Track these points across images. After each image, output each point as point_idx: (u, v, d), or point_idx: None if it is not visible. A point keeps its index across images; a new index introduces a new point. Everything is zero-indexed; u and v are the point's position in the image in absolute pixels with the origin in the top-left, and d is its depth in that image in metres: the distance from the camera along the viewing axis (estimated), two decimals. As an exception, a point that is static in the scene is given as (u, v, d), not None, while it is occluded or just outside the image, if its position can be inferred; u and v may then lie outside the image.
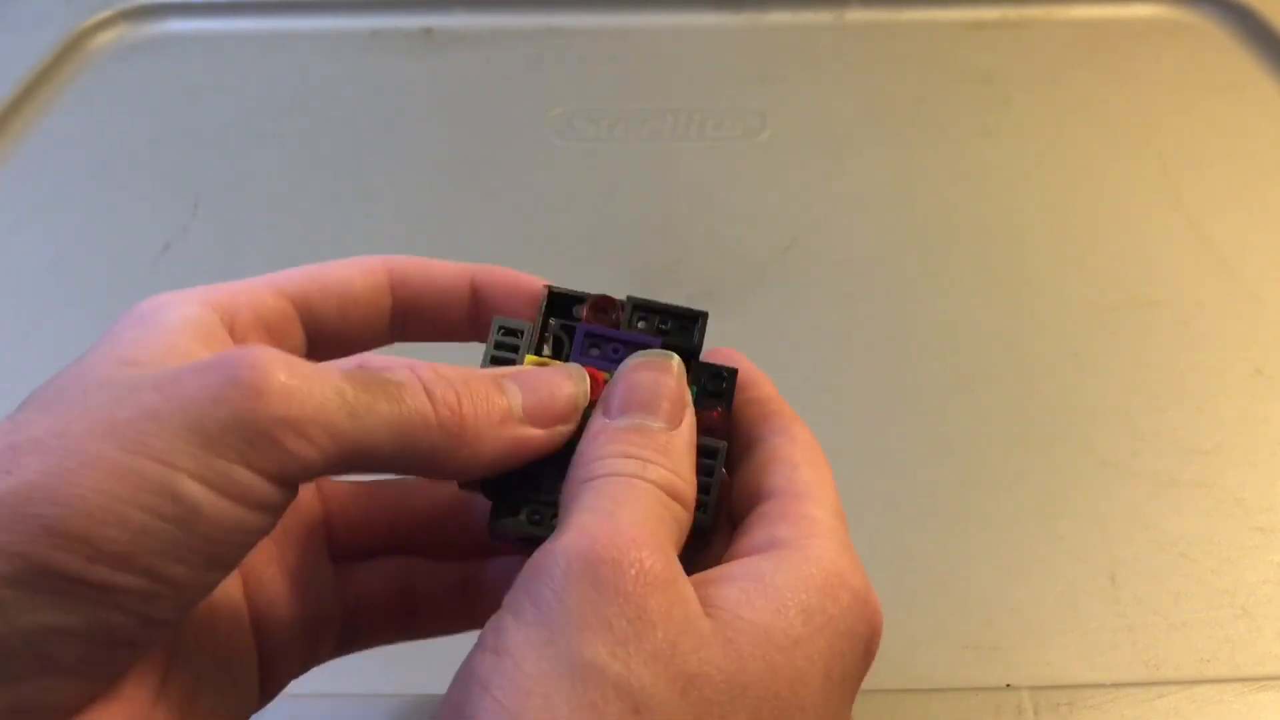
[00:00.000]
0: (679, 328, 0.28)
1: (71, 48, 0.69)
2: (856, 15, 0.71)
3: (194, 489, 0.21)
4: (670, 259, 0.53)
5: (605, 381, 0.27)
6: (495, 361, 0.28)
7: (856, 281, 0.52)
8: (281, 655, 0.27)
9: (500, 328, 0.28)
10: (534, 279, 0.30)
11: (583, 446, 0.25)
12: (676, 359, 0.27)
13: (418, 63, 0.68)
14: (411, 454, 0.23)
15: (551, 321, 0.29)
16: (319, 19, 0.72)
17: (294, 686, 0.31)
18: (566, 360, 0.28)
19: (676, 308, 0.28)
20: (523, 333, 0.28)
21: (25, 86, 0.65)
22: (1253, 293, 0.51)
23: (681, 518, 0.24)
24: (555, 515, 0.25)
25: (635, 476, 0.24)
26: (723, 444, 0.27)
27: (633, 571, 0.21)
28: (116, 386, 0.22)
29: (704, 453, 0.27)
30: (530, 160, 0.60)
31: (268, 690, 0.28)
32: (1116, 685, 0.35)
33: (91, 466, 0.20)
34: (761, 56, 0.68)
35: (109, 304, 0.52)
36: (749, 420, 0.28)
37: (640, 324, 0.28)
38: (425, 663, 0.36)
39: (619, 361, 0.27)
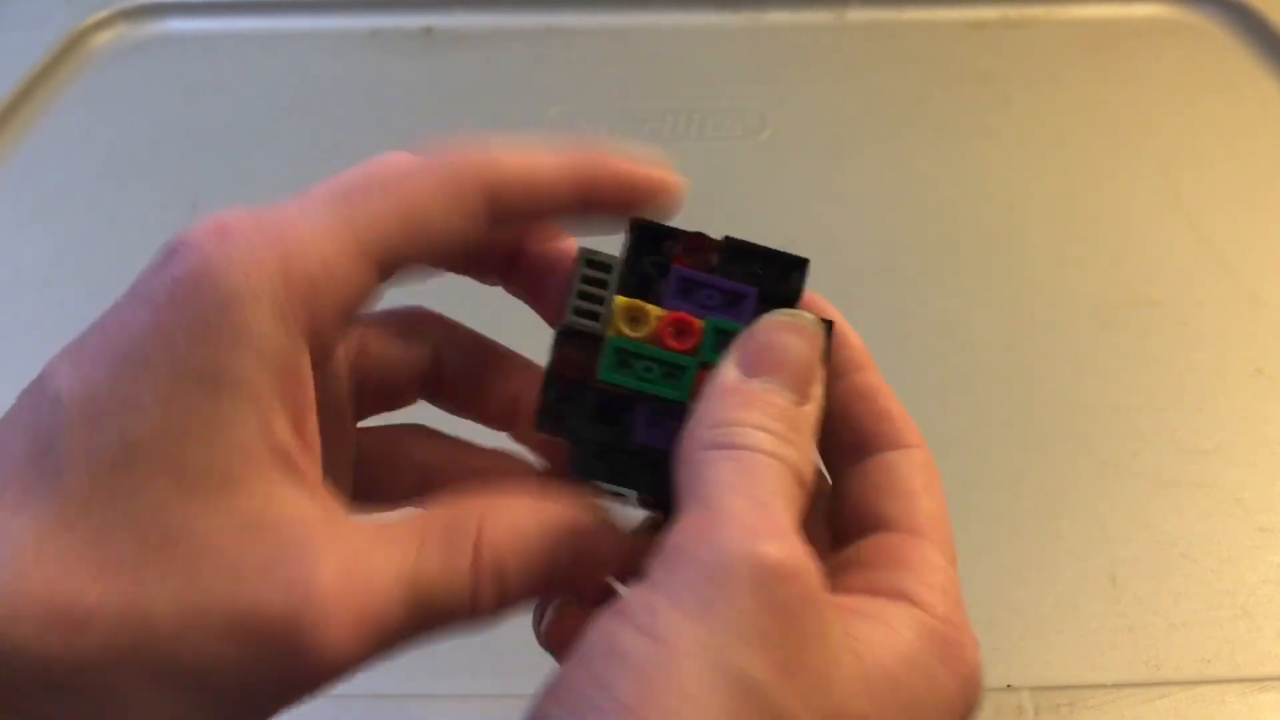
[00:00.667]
0: (776, 274, 0.26)
1: (71, 47, 0.69)
2: (856, 15, 0.71)
3: None
4: (670, 259, 0.53)
5: (701, 329, 0.25)
6: (582, 297, 0.26)
7: (856, 282, 0.52)
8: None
9: (587, 260, 0.26)
10: (653, 172, 0.27)
11: (713, 402, 0.23)
12: (821, 327, 0.25)
13: (418, 63, 0.68)
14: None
15: (637, 258, 0.26)
16: (319, 19, 0.72)
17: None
18: (660, 301, 0.26)
19: (776, 251, 0.27)
20: (610, 268, 0.26)
21: (25, 86, 0.65)
22: (1253, 293, 0.51)
23: (804, 506, 0.23)
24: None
25: (774, 456, 0.22)
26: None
27: (799, 589, 0.20)
28: (179, 575, 0.20)
29: None
30: (530, 160, 0.60)
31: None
32: (1117, 685, 0.35)
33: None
34: (761, 56, 0.68)
35: (109, 304, 0.52)
36: (857, 417, 0.26)
37: (736, 268, 0.26)
38: (426, 663, 0.36)
39: (711, 309, 0.26)
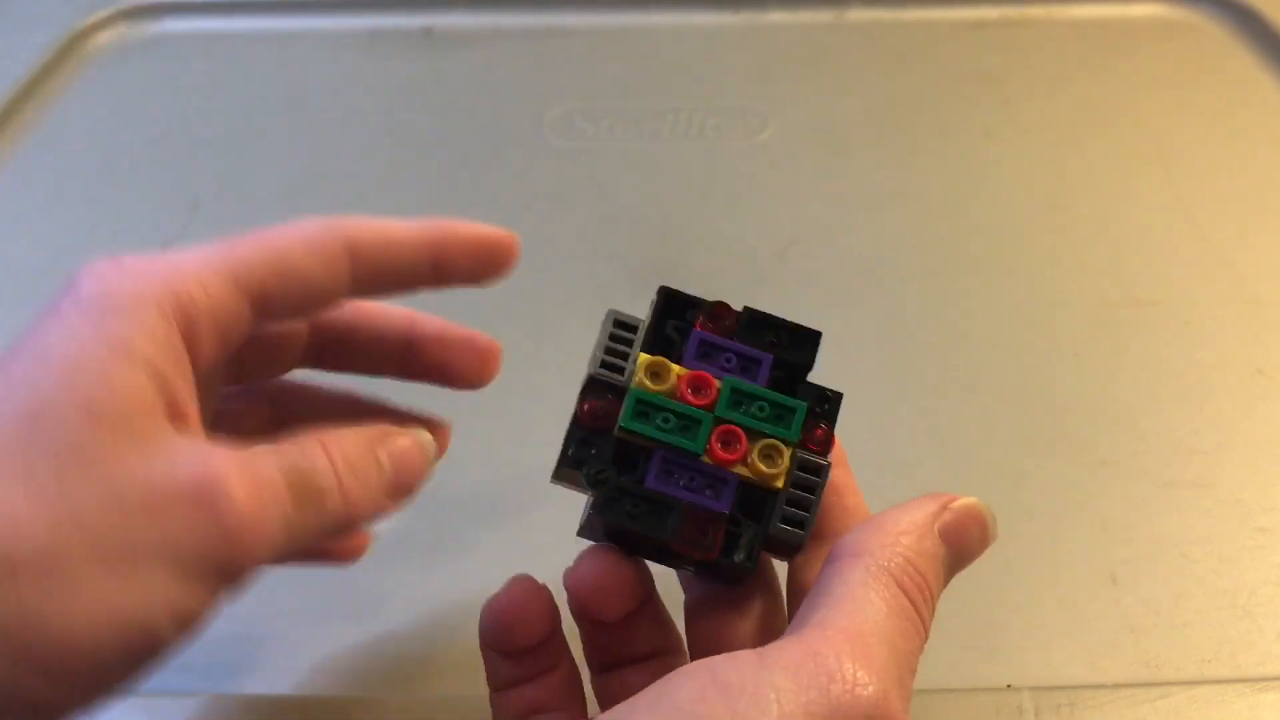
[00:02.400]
0: (791, 344, 0.29)
1: (71, 48, 0.69)
2: (856, 15, 0.71)
3: (163, 622, 0.23)
4: (670, 259, 0.53)
5: (718, 387, 0.27)
6: (609, 353, 0.28)
7: (856, 281, 0.52)
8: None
9: (615, 321, 0.29)
10: (497, 232, 0.31)
11: (907, 531, 0.26)
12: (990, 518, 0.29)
13: (418, 63, 0.68)
14: (315, 540, 0.26)
15: (663, 322, 0.29)
16: (319, 19, 0.72)
17: (283, 687, 0.31)
18: (680, 361, 0.28)
19: (792, 324, 0.29)
20: (636, 329, 0.28)
21: (25, 86, 0.65)
22: (1253, 293, 0.51)
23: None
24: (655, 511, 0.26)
25: (925, 624, 0.25)
26: (827, 461, 0.28)
27: None
28: (98, 478, 0.23)
29: (806, 468, 0.28)
30: (530, 160, 0.60)
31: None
32: (1117, 686, 0.35)
33: (87, 602, 0.22)
34: (761, 56, 0.68)
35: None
36: (825, 506, 0.29)
37: (754, 335, 0.29)
38: (426, 664, 0.36)
39: (729, 371, 0.28)
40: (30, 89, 0.65)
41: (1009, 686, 0.36)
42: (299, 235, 0.29)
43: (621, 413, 0.27)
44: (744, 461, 0.27)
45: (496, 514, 0.42)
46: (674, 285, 0.29)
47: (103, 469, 0.23)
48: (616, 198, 0.58)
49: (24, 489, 0.22)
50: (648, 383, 0.27)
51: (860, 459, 0.44)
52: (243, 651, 0.37)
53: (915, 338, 0.49)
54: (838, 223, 0.56)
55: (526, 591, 0.29)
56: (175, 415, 0.25)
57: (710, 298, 0.29)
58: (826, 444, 0.28)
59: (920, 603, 0.25)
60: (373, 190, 0.58)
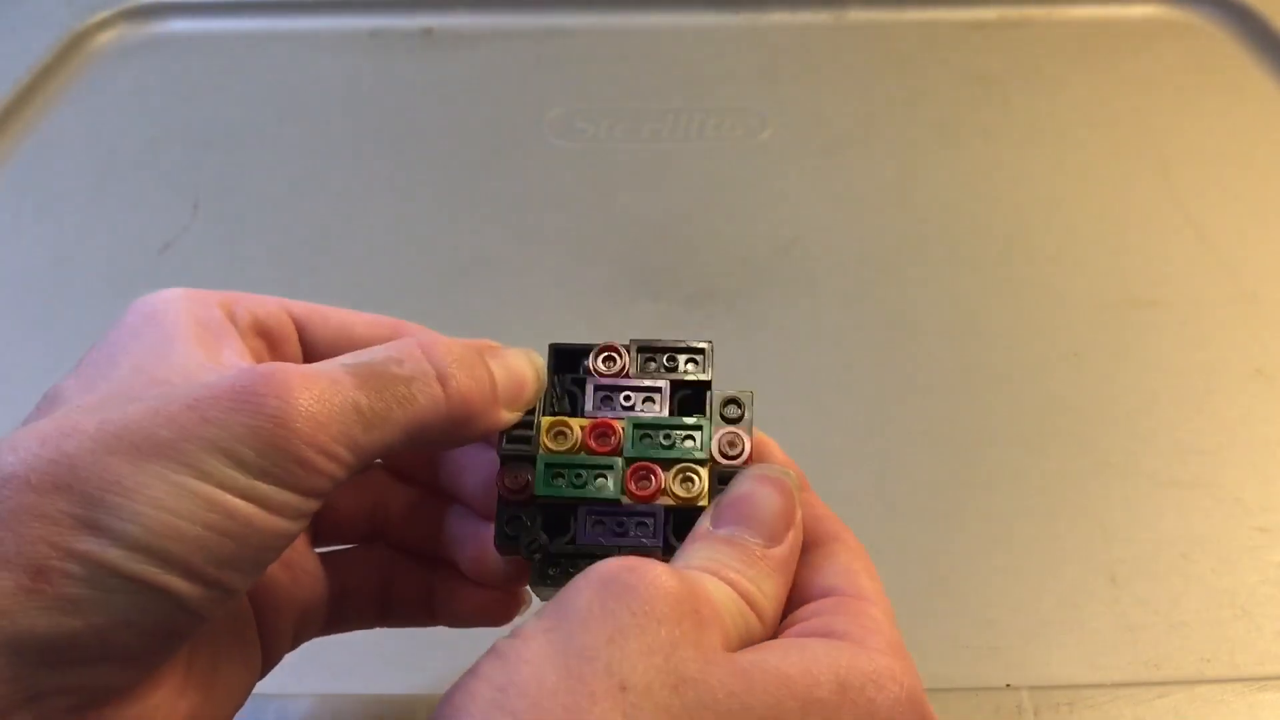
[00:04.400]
0: (688, 363, 0.29)
1: (71, 48, 0.69)
2: (856, 15, 0.71)
3: (243, 506, 0.23)
4: (670, 259, 0.53)
5: (620, 429, 0.28)
6: (514, 426, 0.28)
7: (856, 281, 0.52)
8: (277, 633, 0.29)
9: None
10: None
11: (683, 547, 0.26)
12: (793, 475, 0.27)
13: (418, 63, 0.68)
14: (418, 442, 0.25)
15: (559, 378, 0.29)
16: (319, 19, 0.72)
17: (291, 686, 0.31)
18: (582, 413, 0.28)
19: (679, 344, 0.29)
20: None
21: (25, 86, 0.65)
22: (1253, 293, 0.51)
23: (752, 623, 0.25)
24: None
25: (717, 575, 0.25)
26: (743, 466, 0.28)
27: (649, 586, 0.23)
28: (151, 400, 0.23)
29: (725, 479, 0.28)
30: (530, 160, 0.60)
31: (267, 663, 0.29)
32: (1117, 685, 0.35)
33: (148, 486, 0.22)
34: (761, 56, 0.68)
35: (109, 304, 0.52)
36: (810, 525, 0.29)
37: (649, 364, 0.29)
38: (426, 663, 0.36)
39: (633, 409, 0.28)
40: (31, 89, 0.65)
41: (1008, 686, 0.36)
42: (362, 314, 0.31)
43: (534, 481, 0.28)
44: (663, 492, 0.28)
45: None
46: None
47: (154, 392, 0.24)
48: (616, 198, 0.58)
49: (84, 414, 0.23)
50: (552, 445, 0.28)
51: (859, 458, 0.44)
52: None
53: (915, 337, 0.49)
54: (837, 222, 0.56)
55: None
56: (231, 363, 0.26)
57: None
58: (741, 449, 0.28)
59: None
60: (373, 190, 0.59)
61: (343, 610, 0.31)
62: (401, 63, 0.68)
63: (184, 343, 0.26)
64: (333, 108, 0.65)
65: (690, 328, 0.48)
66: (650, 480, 0.28)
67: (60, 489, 0.22)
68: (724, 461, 0.28)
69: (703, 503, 0.27)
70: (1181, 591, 0.39)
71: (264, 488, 0.23)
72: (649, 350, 0.29)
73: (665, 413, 0.28)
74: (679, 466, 0.28)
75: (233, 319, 0.28)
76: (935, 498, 0.42)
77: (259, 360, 0.28)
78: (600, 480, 0.28)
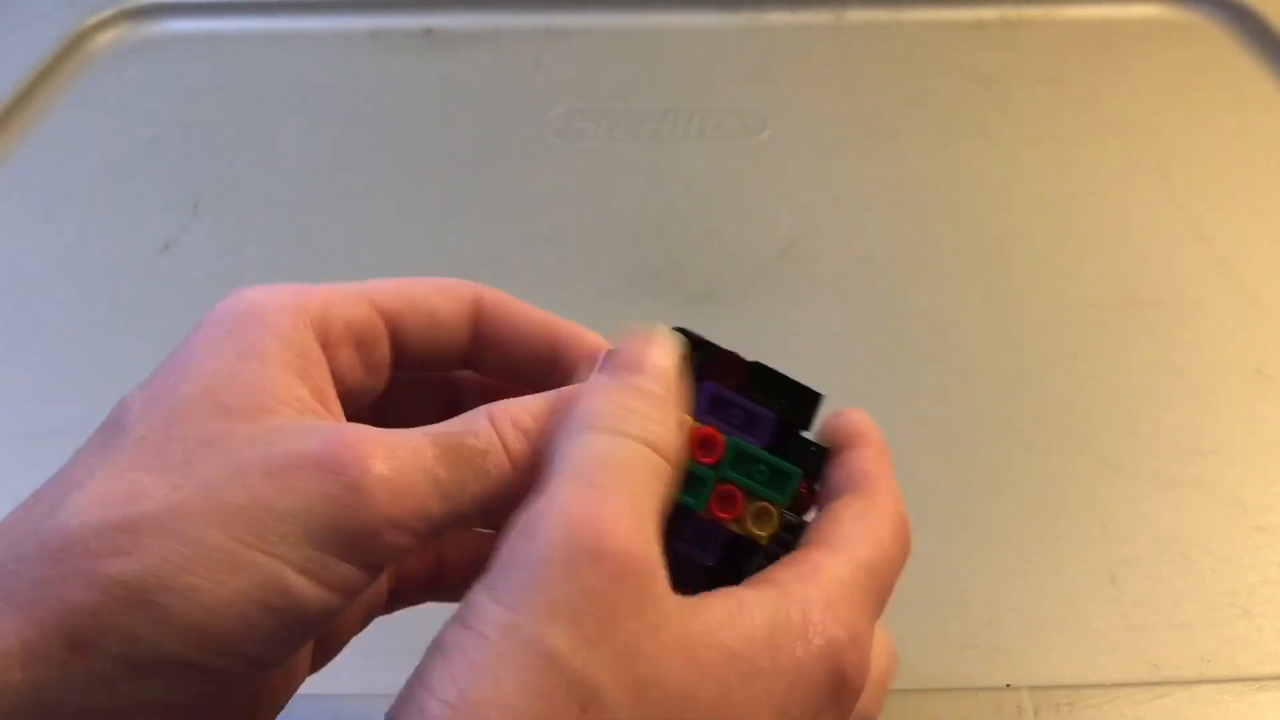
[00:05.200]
0: (794, 403, 0.29)
1: (71, 48, 0.69)
2: (856, 15, 0.71)
3: (300, 583, 0.22)
4: (670, 259, 0.53)
5: (723, 445, 0.27)
6: None
7: (856, 282, 0.52)
8: (345, 630, 0.29)
9: None
10: (605, 343, 0.30)
11: (583, 397, 0.26)
12: (677, 337, 0.27)
13: (418, 63, 0.68)
14: (488, 516, 0.25)
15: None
16: (319, 19, 0.72)
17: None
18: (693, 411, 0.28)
19: (797, 384, 0.29)
20: None
21: (25, 86, 0.65)
22: (1253, 293, 0.51)
23: (664, 473, 0.25)
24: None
25: (623, 434, 0.24)
26: (805, 522, 0.28)
27: (611, 567, 0.22)
28: (224, 454, 0.23)
29: (789, 528, 0.28)
30: (530, 160, 0.60)
31: (328, 653, 0.30)
32: (1117, 685, 0.35)
33: (209, 558, 0.21)
34: (761, 56, 0.68)
35: (109, 304, 0.52)
36: (840, 475, 0.28)
37: (759, 392, 0.29)
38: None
39: (734, 426, 0.28)
40: (31, 89, 0.65)
41: (1008, 686, 0.36)
42: (435, 279, 0.30)
43: None
44: (737, 520, 0.28)
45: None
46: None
47: (229, 447, 0.23)
48: (616, 198, 0.58)
49: (151, 473, 0.22)
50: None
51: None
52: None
53: (915, 337, 0.49)
54: (837, 223, 0.56)
55: None
56: (311, 408, 0.25)
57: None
58: (808, 504, 0.29)
59: (610, 426, 0.24)
60: (373, 190, 0.59)
61: (399, 589, 0.31)
62: (401, 63, 0.68)
63: (262, 365, 0.25)
64: (333, 108, 0.65)
65: (690, 328, 0.48)
66: (733, 504, 0.28)
67: (119, 554, 0.21)
68: (789, 514, 0.28)
69: (764, 541, 0.28)
70: (1181, 591, 0.39)
71: (327, 560, 0.22)
72: (765, 378, 0.29)
73: (764, 442, 0.28)
74: (760, 504, 0.28)
75: (326, 333, 0.27)
76: (935, 498, 0.42)
77: (349, 378, 0.27)
78: (690, 489, 0.27)
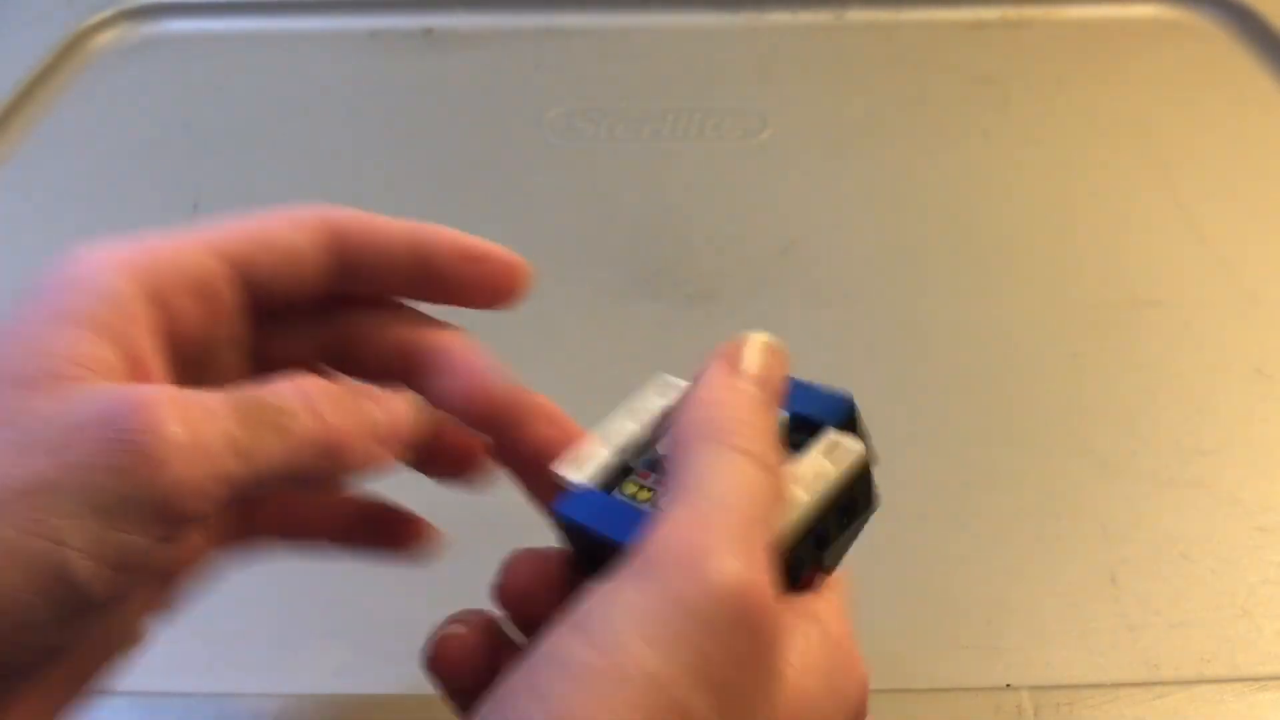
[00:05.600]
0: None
1: (71, 48, 0.69)
2: (856, 15, 0.71)
3: (84, 567, 0.21)
4: (670, 259, 0.53)
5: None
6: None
7: (856, 282, 0.52)
8: (176, 573, 0.28)
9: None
10: (475, 240, 0.30)
11: (714, 390, 0.26)
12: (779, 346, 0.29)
13: (418, 63, 0.68)
14: (294, 478, 0.24)
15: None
16: (319, 19, 0.72)
17: (283, 686, 0.31)
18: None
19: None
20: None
21: (25, 86, 0.65)
22: (1253, 293, 0.51)
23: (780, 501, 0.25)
24: None
25: (767, 469, 0.24)
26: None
27: (764, 637, 0.22)
28: (13, 433, 0.22)
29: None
30: (529, 160, 0.60)
31: (170, 602, 0.28)
32: (1117, 685, 0.35)
33: None
34: (761, 56, 0.68)
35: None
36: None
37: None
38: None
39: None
40: (31, 89, 0.65)
41: (1008, 686, 0.36)
42: (283, 212, 0.29)
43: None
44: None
45: (495, 515, 0.42)
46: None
47: (20, 425, 0.22)
48: (616, 198, 0.58)
49: None
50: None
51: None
52: (242, 650, 0.37)
53: (915, 338, 0.49)
54: (837, 223, 0.56)
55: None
56: (130, 371, 0.24)
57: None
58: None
59: (759, 451, 0.24)
60: (373, 190, 0.58)
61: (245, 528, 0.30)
62: (401, 63, 0.68)
63: (72, 328, 0.24)
64: (333, 108, 0.65)
65: (690, 328, 0.48)
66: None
67: None
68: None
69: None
70: (1181, 591, 0.39)
71: (117, 537, 0.21)
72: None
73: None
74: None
75: (157, 286, 0.26)
76: (935, 498, 0.42)
77: (191, 329, 0.26)
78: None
